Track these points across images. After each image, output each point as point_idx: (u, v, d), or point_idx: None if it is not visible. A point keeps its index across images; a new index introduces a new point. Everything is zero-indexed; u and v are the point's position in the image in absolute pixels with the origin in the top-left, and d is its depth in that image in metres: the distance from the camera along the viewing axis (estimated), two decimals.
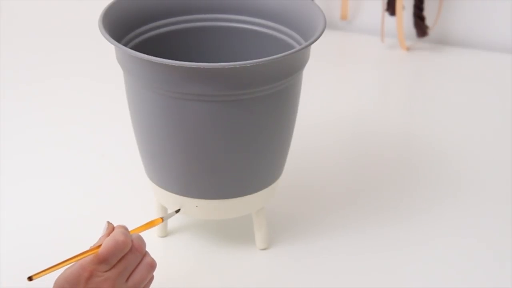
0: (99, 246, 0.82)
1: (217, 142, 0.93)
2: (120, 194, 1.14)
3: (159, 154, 0.96)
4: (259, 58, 0.88)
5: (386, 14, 1.58)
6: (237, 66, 0.87)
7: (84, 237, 1.06)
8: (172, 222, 1.07)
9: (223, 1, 1.06)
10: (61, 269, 0.81)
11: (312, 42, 0.92)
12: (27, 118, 1.33)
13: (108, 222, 0.86)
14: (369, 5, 1.64)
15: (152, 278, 0.86)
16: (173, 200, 0.99)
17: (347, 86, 1.49)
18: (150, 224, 0.91)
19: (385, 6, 1.57)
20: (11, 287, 0.98)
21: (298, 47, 0.93)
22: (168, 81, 0.89)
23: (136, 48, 1.00)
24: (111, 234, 0.84)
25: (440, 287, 0.99)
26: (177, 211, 0.96)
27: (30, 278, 0.79)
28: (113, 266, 0.82)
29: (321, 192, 1.16)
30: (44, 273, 0.80)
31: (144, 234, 1.05)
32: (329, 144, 1.28)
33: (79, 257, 0.82)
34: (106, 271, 0.81)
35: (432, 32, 1.59)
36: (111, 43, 0.91)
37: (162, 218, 0.94)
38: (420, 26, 1.57)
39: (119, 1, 1.00)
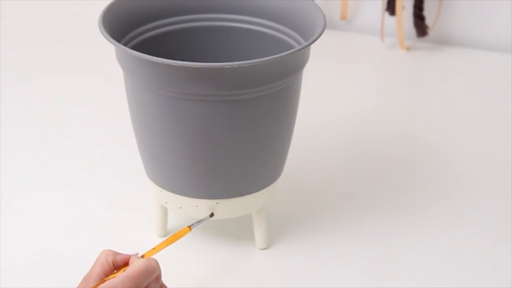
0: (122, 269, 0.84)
1: (217, 142, 0.93)
2: (120, 194, 1.14)
3: (159, 154, 0.96)
4: (259, 58, 0.88)
5: (386, 14, 1.58)
6: (237, 66, 0.87)
7: (83, 237, 1.07)
8: (172, 222, 1.07)
9: (223, 1, 1.06)
10: None
11: (312, 42, 0.92)
12: (27, 118, 1.33)
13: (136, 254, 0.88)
14: (369, 5, 1.64)
15: None
16: (173, 200, 0.99)
17: (347, 86, 1.49)
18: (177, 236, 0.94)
19: (385, 6, 1.57)
20: (11, 287, 0.98)
21: (298, 47, 0.93)
22: (168, 81, 0.89)
23: (136, 48, 1.00)
24: (144, 258, 0.85)
25: (440, 286, 0.99)
26: (211, 215, 0.99)
27: None
28: None
29: (321, 191, 1.16)
30: None
31: (143, 233, 1.06)
32: (329, 144, 1.28)
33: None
34: None
35: (432, 32, 1.59)
36: (111, 43, 0.91)
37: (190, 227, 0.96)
38: (420, 26, 1.57)
39: (119, 1, 1.00)
